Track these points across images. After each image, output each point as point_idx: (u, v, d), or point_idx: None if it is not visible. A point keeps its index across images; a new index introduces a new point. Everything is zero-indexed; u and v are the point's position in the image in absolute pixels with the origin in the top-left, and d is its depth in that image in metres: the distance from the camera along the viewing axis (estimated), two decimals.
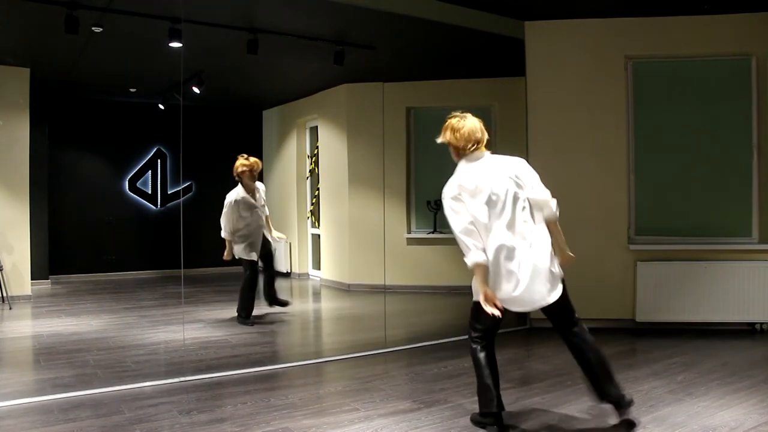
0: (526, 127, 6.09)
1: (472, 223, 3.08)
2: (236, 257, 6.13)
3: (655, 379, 4.21)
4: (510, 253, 3.07)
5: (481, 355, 3.25)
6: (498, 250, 3.07)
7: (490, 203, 3.08)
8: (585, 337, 3.26)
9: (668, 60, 6.00)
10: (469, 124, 3.25)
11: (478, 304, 3.14)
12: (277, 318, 6.38)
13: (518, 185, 3.15)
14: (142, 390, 4.03)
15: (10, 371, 4.69)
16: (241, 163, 5.96)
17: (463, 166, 3.25)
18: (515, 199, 3.12)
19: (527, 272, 3.06)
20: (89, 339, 5.47)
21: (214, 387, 4.13)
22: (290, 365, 4.73)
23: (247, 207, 6.03)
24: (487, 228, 3.08)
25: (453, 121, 3.30)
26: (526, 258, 3.07)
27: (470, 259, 3.05)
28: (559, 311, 3.24)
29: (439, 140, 3.35)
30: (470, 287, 3.28)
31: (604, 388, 3.24)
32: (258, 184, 6.15)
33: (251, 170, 5.96)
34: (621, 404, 3.26)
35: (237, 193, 6.00)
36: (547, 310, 3.22)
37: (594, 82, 5.93)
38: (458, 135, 3.24)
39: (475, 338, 3.28)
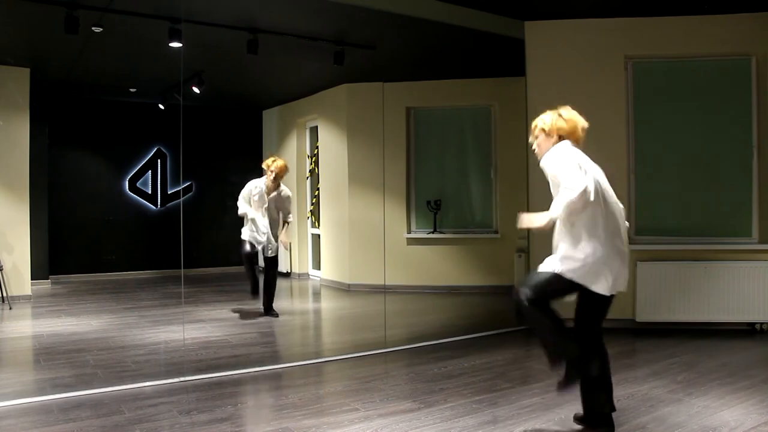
0: (527, 127, 6.07)
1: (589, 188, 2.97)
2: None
3: (655, 379, 4.21)
4: (618, 234, 3.10)
5: (540, 312, 3.09)
6: (613, 231, 3.07)
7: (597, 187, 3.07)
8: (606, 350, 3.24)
9: (668, 60, 6.00)
10: (575, 114, 3.32)
11: (555, 277, 3.08)
12: (277, 318, 6.38)
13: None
14: (142, 390, 4.03)
15: (10, 371, 4.68)
16: (266, 163, 6.37)
17: (568, 147, 3.19)
18: (609, 194, 3.16)
19: (625, 257, 3.12)
20: (89, 339, 5.47)
21: (214, 387, 4.13)
22: (290, 365, 4.73)
23: (259, 198, 6.33)
24: (594, 206, 3.04)
25: (558, 111, 3.33)
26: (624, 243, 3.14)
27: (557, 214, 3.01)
28: (604, 310, 3.19)
29: (546, 125, 3.30)
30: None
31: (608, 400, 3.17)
32: (284, 188, 6.45)
33: (273, 173, 6.29)
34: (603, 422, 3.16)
35: (258, 182, 6.37)
36: (598, 304, 3.14)
37: (594, 82, 5.92)
38: (565, 122, 3.27)
39: (532, 300, 3.08)
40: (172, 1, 5.21)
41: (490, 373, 4.45)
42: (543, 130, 3.29)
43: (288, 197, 6.51)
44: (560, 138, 3.25)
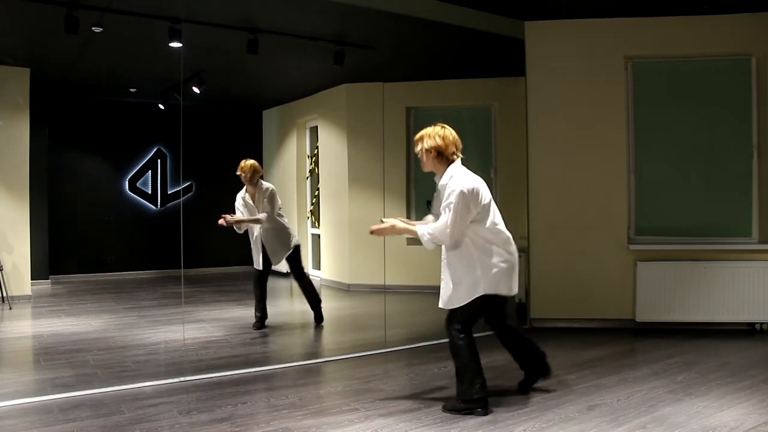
0: (526, 127, 6.09)
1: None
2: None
3: (655, 379, 4.21)
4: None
5: (468, 342, 3.71)
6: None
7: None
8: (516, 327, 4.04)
9: (668, 60, 6.00)
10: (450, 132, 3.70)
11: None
12: (276, 318, 6.38)
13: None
14: (142, 390, 4.03)
15: (10, 371, 4.69)
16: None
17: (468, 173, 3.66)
18: None
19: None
20: (89, 339, 5.47)
21: (214, 387, 4.13)
22: (290, 365, 4.73)
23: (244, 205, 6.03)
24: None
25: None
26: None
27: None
28: (503, 307, 3.81)
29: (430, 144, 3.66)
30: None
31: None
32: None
33: (243, 174, 5.88)
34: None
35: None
36: (496, 303, 3.68)
37: (594, 82, 5.92)
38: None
39: (459, 329, 3.71)
40: (172, 1, 5.21)
41: (490, 373, 4.43)
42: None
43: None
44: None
